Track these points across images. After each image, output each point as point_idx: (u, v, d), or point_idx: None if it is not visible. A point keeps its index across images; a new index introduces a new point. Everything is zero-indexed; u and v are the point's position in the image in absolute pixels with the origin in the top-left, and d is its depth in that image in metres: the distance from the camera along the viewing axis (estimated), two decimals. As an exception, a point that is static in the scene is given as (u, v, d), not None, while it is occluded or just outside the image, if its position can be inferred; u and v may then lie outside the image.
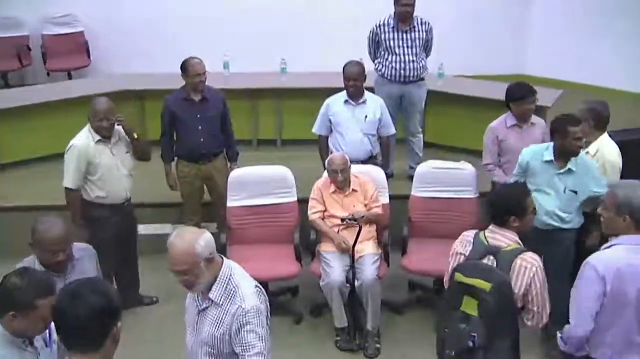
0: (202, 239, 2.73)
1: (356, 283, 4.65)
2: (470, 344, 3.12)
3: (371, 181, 4.98)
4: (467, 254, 3.35)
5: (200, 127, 5.22)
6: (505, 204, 3.32)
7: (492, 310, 3.10)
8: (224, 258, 2.86)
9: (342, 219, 4.75)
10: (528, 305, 3.24)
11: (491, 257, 3.26)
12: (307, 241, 5.01)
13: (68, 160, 4.63)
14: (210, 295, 2.78)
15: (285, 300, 5.24)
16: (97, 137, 4.61)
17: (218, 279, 2.77)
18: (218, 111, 5.29)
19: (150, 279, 5.22)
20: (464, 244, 3.42)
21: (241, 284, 2.78)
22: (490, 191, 3.46)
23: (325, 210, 4.90)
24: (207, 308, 2.80)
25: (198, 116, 5.24)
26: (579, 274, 3.11)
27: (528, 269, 3.20)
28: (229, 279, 2.78)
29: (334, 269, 4.67)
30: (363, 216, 4.72)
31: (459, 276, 3.23)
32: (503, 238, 3.30)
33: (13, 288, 2.59)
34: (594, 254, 3.12)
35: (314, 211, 4.90)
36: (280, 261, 4.94)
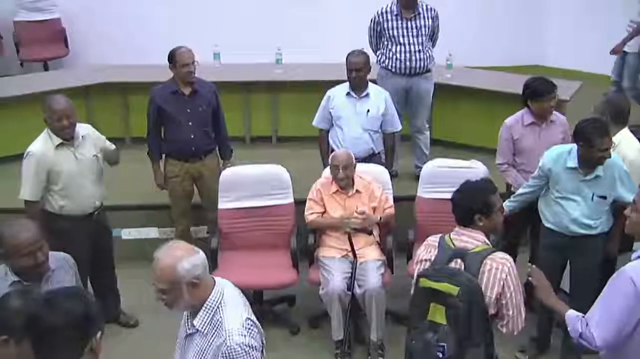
0: (188, 260, 2.65)
1: (358, 290, 4.71)
2: (440, 355, 3.10)
3: (376, 182, 5.05)
4: (432, 259, 3.36)
5: (190, 123, 5.25)
6: (468, 202, 3.34)
7: (462, 316, 3.09)
8: (217, 281, 2.77)
9: (359, 213, 4.78)
10: (502, 310, 3.23)
11: (459, 261, 3.27)
12: (304, 246, 5.06)
13: (25, 169, 4.49)
14: (195, 322, 2.70)
15: (281, 310, 5.28)
16: (58, 141, 4.46)
17: (205, 306, 2.69)
18: (210, 105, 5.33)
19: (131, 289, 5.16)
20: (428, 249, 3.43)
21: (229, 317, 2.67)
22: (455, 191, 3.47)
23: (325, 212, 4.95)
24: (192, 334, 2.75)
25: (188, 110, 5.26)
26: (613, 282, 2.97)
27: (499, 270, 3.20)
28: (217, 308, 2.69)
29: (334, 276, 4.72)
30: (364, 212, 4.78)
31: (424, 282, 3.22)
32: (470, 239, 3.31)
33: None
34: (632, 264, 2.95)
35: (310, 212, 4.95)
36: (276, 268, 4.98)
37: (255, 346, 2.68)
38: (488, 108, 6.61)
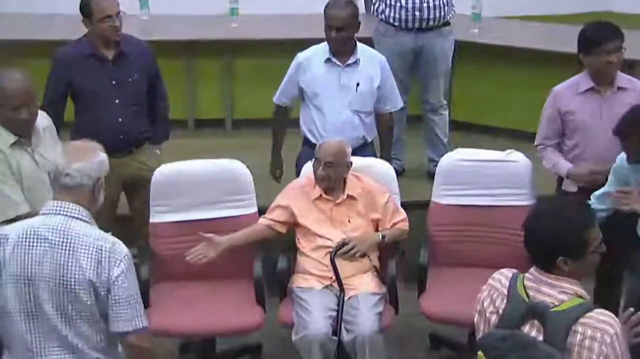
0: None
1: (346, 336, 4.72)
2: None
3: (378, 184, 5.13)
4: (500, 312, 3.31)
5: (116, 100, 5.29)
6: (551, 239, 3.23)
7: None
8: None
9: (337, 248, 4.89)
10: None
11: (535, 323, 3.21)
12: (273, 274, 5.09)
13: None
14: None
15: (242, 364, 5.32)
16: (11, 138, 4.46)
17: None
18: (144, 73, 5.39)
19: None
20: (493, 295, 3.38)
21: None
22: (530, 218, 3.34)
23: (297, 224, 5.02)
24: None
25: (113, 81, 5.27)
26: None
27: (599, 342, 3.09)
28: None
29: (313, 315, 4.72)
30: (353, 247, 4.88)
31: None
32: (550, 290, 3.24)
33: None
34: None
35: (266, 217, 5.04)
36: (234, 306, 4.99)
37: None
38: (531, 76, 6.65)
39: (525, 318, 3.22)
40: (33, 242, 3.53)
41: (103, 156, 3.68)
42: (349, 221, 4.98)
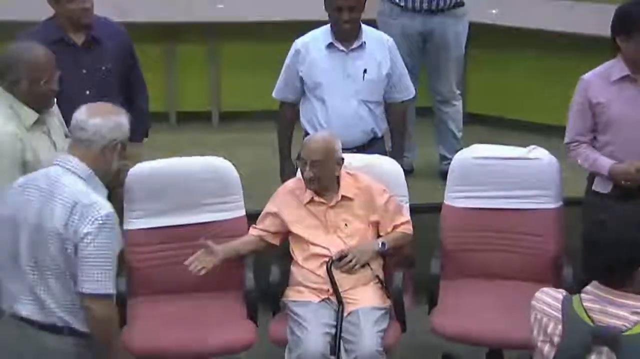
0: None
1: (345, 356, 4.71)
2: None
3: (378, 183, 5.08)
4: (556, 340, 3.25)
5: (87, 92, 5.23)
6: (627, 246, 3.19)
7: None
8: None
9: (335, 259, 4.86)
10: None
11: (605, 351, 3.17)
12: (266, 286, 5.06)
13: None
14: None
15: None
16: (34, 117, 4.58)
17: None
18: (119, 61, 5.38)
19: None
20: (542, 320, 3.30)
21: None
22: (597, 224, 3.31)
23: (290, 233, 5.00)
24: None
25: (83, 70, 5.26)
26: None
27: None
28: None
29: (309, 332, 4.72)
30: (352, 259, 4.84)
31: None
32: (619, 311, 3.18)
33: None
34: None
35: (257, 227, 5.04)
36: (222, 322, 4.98)
37: None
38: (557, 63, 6.64)
39: (591, 345, 3.17)
40: (28, 188, 3.89)
41: (124, 119, 3.97)
42: (345, 225, 4.96)
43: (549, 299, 3.32)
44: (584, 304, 3.22)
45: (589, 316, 3.19)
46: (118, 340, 4.15)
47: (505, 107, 6.99)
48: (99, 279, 3.76)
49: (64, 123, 4.75)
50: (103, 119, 3.90)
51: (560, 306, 3.26)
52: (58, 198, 3.79)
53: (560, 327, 3.23)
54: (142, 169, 5.20)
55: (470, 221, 5.24)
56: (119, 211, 5.12)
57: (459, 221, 5.27)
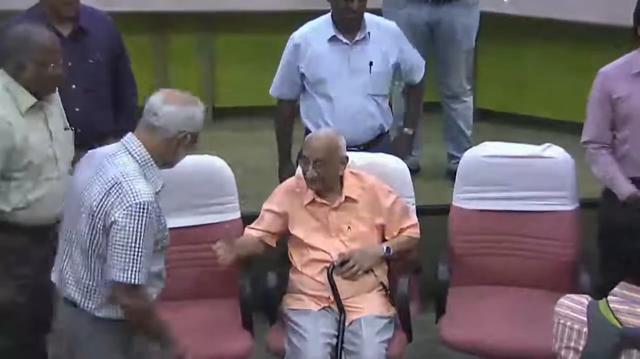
0: None
1: None
2: None
3: (384, 183, 5.08)
4: (582, 345, 3.28)
5: (73, 86, 5.23)
6: None
7: None
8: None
9: (337, 265, 4.85)
10: None
11: (635, 353, 3.22)
12: (263, 293, 5.04)
13: None
14: None
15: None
16: (31, 101, 4.60)
17: None
18: (107, 53, 5.38)
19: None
20: (567, 324, 3.33)
21: None
22: (620, 221, 3.39)
23: (292, 235, 4.99)
24: None
25: (69, 63, 5.12)
26: None
27: None
28: None
29: (308, 342, 4.71)
30: (354, 265, 4.83)
31: None
32: None
33: None
34: None
35: (255, 227, 5.01)
36: (216, 330, 4.97)
37: None
38: (574, 55, 6.65)
39: (620, 348, 3.20)
40: (91, 158, 4.09)
41: (199, 111, 4.07)
42: (348, 228, 4.95)
43: (573, 303, 3.34)
44: (611, 306, 3.24)
45: (617, 318, 3.22)
46: (156, 329, 4.18)
47: (517, 103, 7.00)
48: (130, 267, 3.85)
49: (64, 114, 4.80)
50: (178, 107, 3.99)
51: (585, 309, 3.28)
52: (101, 175, 3.91)
53: (585, 330, 3.26)
54: None
55: (480, 224, 5.24)
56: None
57: (468, 223, 5.27)
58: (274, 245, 5.06)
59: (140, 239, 3.86)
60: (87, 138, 5.15)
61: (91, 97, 5.29)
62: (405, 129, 5.73)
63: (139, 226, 3.85)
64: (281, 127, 5.67)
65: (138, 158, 3.97)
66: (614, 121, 4.98)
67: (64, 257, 4.06)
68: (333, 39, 5.43)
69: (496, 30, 6.72)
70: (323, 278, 4.85)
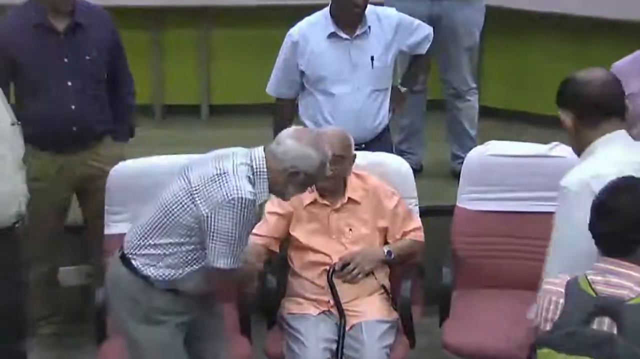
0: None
1: None
2: None
3: (386, 183, 5.09)
4: (558, 315, 3.43)
5: (69, 82, 5.27)
6: (635, 212, 3.39)
7: None
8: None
9: (338, 269, 4.85)
10: None
11: (606, 320, 3.32)
12: (262, 297, 5.05)
13: None
14: None
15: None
16: None
17: None
18: (104, 50, 5.39)
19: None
20: (546, 300, 3.47)
21: None
22: (605, 190, 3.48)
23: (291, 237, 4.97)
24: None
25: (65, 59, 5.26)
26: None
27: None
28: None
29: (307, 348, 4.72)
30: (349, 269, 4.83)
31: (550, 355, 3.33)
32: (623, 281, 3.35)
33: None
34: None
35: (259, 234, 4.93)
36: None
37: None
38: (584, 50, 6.67)
39: (592, 315, 3.32)
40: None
41: (315, 155, 4.23)
42: (349, 230, 4.95)
43: (555, 280, 3.51)
44: (589, 278, 3.39)
45: (593, 289, 3.37)
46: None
47: (524, 100, 6.99)
48: (229, 255, 4.18)
49: (9, 108, 4.72)
50: (297, 144, 4.20)
51: (565, 283, 3.43)
52: (216, 162, 4.21)
53: (562, 301, 3.40)
54: (125, 168, 5.18)
55: (486, 225, 5.23)
56: (99, 213, 5.28)
57: (472, 224, 5.27)
58: (278, 251, 5.04)
59: (233, 229, 4.16)
60: (83, 138, 5.33)
61: (87, 95, 5.32)
62: (399, 86, 5.77)
63: (234, 216, 4.14)
64: (280, 127, 5.55)
65: (254, 166, 4.21)
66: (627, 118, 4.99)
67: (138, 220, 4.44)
68: (332, 35, 5.44)
69: (501, 25, 6.74)
70: (322, 281, 4.86)
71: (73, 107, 5.25)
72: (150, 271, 4.27)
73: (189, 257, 4.28)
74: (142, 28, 7.05)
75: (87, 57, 5.29)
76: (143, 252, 4.29)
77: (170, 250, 4.27)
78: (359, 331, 4.76)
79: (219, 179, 4.15)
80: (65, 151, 5.33)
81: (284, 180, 4.24)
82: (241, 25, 7.06)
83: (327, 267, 4.87)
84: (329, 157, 4.31)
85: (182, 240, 4.26)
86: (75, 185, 5.43)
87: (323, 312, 4.85)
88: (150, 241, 4.29)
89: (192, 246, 4.26)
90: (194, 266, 4.29)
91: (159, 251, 4.28)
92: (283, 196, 4.36)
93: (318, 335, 4.75)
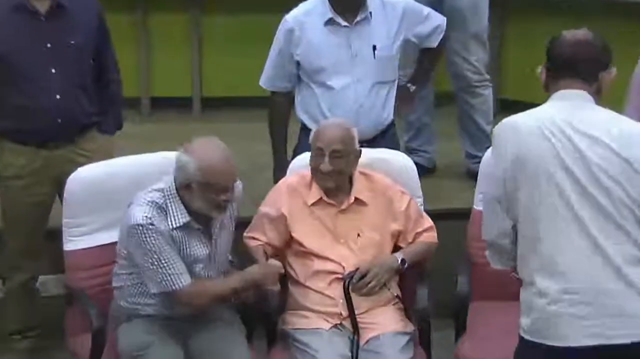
0: None
1: None
2: None
3: (397, 183, 5.07)
4: None
5: (53, 70, 5.25)
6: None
7: None
8: None
9: (355, 279, 4.81)
10: None
11: None
12: (261, 308, 4.98)
13: None
14: None
15: None
16: None
17: None
18: (90, 34, 5.37)
19: None
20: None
21: None
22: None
23: (292, 241, 4.92)
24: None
25: (48, 44, 5.23)
26: None
27: None
28: None
29: None
30: (366, 281, 4.79)
31: None
32: None
33: None
34: None
35: (251, 235, 4.97)
36: None
37: None
38: (612, 37, 6.46)
39: None
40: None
41: (195, 162, 4.43)
42: (357, 235, 4.92)
43: None
44: None
45: None
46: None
47: (543, 92, 6.89)
48: (150, 278, 4.51)
49: None
50: (180, 156, 4.47)
51: None
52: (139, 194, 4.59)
53: None
54: (80, 176, 5.07)
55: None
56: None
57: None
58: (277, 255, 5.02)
59: (148, 257, 4.49)
60: (68, 130, 5.34)
61: (72, 83, 5.31)
62: (408, 84, 5.73)
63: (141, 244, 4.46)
64: (276, 121, 5.65)
65: (165, 190, 4.54)
66: None
67: None
68: (330, 21, 5.42)
69: (518, 11, 6.77)
70: (332, 291, 4.82)
71: (58, 96, 5.25)
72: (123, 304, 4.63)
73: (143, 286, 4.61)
74: (128, 11, 7.11)
75: (72, 42, 5.27)
76: (114, 286, 4.70)
77: (129, 281, 4.61)
78: (376, 344, 4.73)
79: (127, 211, 4.52)
80: (49, 145, 5.31)
81: (189, 197, 4.48)
82: (236, 10, 7.10)
83: (336, 276, 4.84)
84: (217, 159, 4.43)
85: (131, 270, 4.60)
86: (58, 182, 5.34)
87: (335, 325, 4.79)
88: (115, 270, 4.69)
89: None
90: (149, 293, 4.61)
91: (121, 283, 4.64)
92: (205, 212, 4.54)
93: (331, 351, 4.67)
